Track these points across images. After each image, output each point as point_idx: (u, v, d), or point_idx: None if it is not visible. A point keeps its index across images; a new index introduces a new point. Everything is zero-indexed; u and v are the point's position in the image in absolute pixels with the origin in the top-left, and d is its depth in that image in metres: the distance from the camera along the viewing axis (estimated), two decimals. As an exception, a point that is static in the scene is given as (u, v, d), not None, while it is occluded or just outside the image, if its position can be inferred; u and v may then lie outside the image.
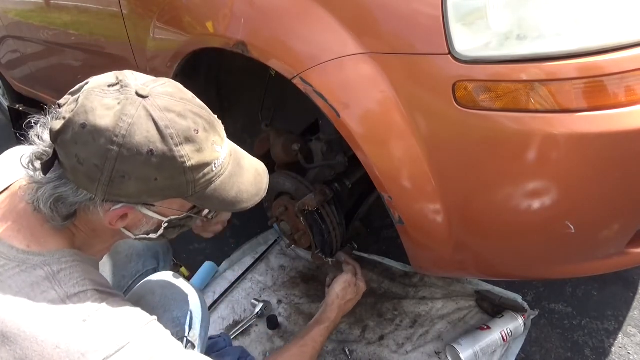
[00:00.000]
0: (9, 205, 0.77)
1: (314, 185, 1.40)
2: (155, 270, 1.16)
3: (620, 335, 1.40)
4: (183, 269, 1.79)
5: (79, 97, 0.68)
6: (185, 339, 0.95)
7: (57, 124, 0.68)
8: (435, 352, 1.38)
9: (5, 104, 3.13)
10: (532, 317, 1.43)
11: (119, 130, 0.66)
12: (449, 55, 0.82)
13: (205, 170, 0.74)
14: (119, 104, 0.67)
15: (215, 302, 1.63)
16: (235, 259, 1.83)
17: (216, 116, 0.79)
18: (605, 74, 0.77)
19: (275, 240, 1.90)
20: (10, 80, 2.87)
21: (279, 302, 1.64)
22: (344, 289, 1.28)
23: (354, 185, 1.46)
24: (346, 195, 1.46)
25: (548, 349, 1.39)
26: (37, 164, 0.72)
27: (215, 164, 0.75)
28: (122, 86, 0.69)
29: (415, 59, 0.87)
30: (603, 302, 1.51)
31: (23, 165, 0.74)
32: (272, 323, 1.53)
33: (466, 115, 0.84)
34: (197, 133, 0.71)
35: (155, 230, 0.82)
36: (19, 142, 0.81)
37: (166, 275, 1.04)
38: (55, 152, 0.70)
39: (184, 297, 1.00)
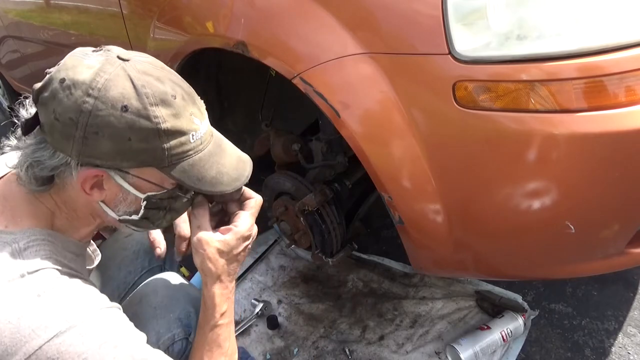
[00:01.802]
0: (1, 189, 0.78)
1: (314, 185, 1.40)
2: (161, 268, 1.16)
3: (620, 335, 1.40)
4: (183, 269, 1.79)
5: (63, 61, 0.71)
6: (186, 340, 0.94)
7: (39, 84, 0.70)
8: (435, 352, 1.38)
9: (5, 104, 3.13)
10: (532, 317, 1.43)
11: (95, 84, 0.67)
12: (449, 55, 0.82)
13: (182, 139, 0.73)
14: (99, 64, 0.69)
15: (215, 302, 1.63)
16: (235, 259, 1.83)
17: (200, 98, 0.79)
18: (605, 74, 0.77)
19: (275, 240, 1.90)
20: (10, 80, 2.88)
21: (279, 302, 1.64)
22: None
23: (354, 185, 1.46)
24: (346, 195, 1.46)
25: (548, 349, 1.39)
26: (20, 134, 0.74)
27: (192, 135, 0.74)
28: (105, 51, 0.72)
29: (416, 59, 0.87)
30: (603, 302, 1.51)
31: (6, 140, 0.75)
32: (272, 323, 1.53)
33: (466, 115, 0.84)
34: (175, 99, 0.71)
35: (137, 211, 0.79)
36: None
37: (169, 276, 1.04)
38: (36, 113, 0.71)
39: (187, 297, 0.99)
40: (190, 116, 0.74)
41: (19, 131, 0.74)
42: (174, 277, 1.04)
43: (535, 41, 0.79)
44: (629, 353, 1.35)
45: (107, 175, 0.73)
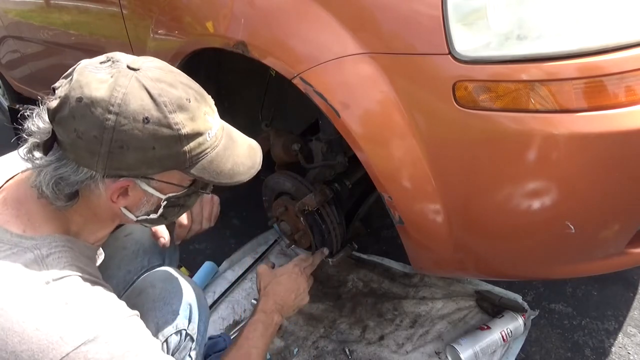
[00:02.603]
0: (12, 192, 0.79)
1: (314, 185, 1.40)
2: (161, 265, 1.17)
3: (620, 335, 1.40)
4: (183, 269, 1.79)
5: (72, 76, 0.71)
6: (184, 331, 0.96)
7: (54, 103, 0.70)
8: (435, 352, 1.38)
9: (5, 104, 3.13)
10: (532, 317, 1.44)
11: (114, 100, 0.68)
12: (449, 55, 0.82)
13: (200, 140, 0.76)
14: (111, 77, 0.69)
15: (215, 302, 1.63)
16: (236, 259, 1.83)
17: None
18: (605, 74, 0.77)
19: (275, 240, 1.90)
20: (10, 80, 2.87)
21: (279, 302, 1.63)
22: (284, 275, 1.18)
23: (354, 185, 1.46)
24: (346, 195, 1.46)
25: (548, 349, 1.39)
26: (36, 153, 0.74)
27: (208, 134, 0.77)
28: (113, 62, 0.72)
29: (416, 59, 0.87)
30: (603, 302, 1.51)
31: (21, 157, 0.76)
32: (273, 323, 1.53)
33: (466, 115, 0.84)
34: (189, 102, 0.73)
35: (155, 210, 0.82)
36: (19, 142, 0.82)
37: (167, 270, 1.05)
38: (53, 132, 0.72)
39: (184, 290, 1.00)
40: (204, 116, 0.76)
41: (30, 146, 0.75)
42: (172, 272, 1.05)
43: (535, 41, 0.79)
44: (629, 353, 1.35)
45: (133, 184, 0.76)
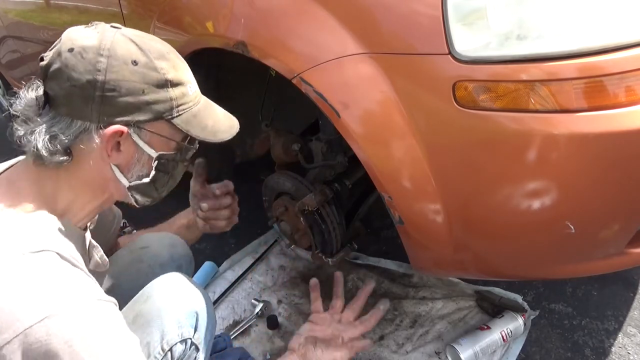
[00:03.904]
0: (7, 174, 0.82)
1: (314, 185, 1.40)
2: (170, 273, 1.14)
3: (620, 335, 1.40)
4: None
5: (60, 40, 0.77)
6: (190, 340, 0.93)
7: (46, 60, 0.75)
8: (435, 352, 1.38)
9: (5, 104, 3.13)
10: (532, 317, 1.43)
11: (104, 45, 0.74)
12: (449, 55, 0.82)
13: (183, 90, 0.82)
14: (97, 32, 0.76)
15: (215, 302, 1.63)
16: (236, 259, 1.83)
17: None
18: (605, 74, 0.77)
19: (275, 240, 1.90)
20: (10, 80, 2.88)
21: (279, 302, 1.63)
22: (338, 353, 1.02)
23: (354, 185, 1.46)
24: (346, 195, 1.46)
25: (548, 349, 1.39)
26: (27, 123, 0.76)
27: (189, 87, 0.84)
28: (95, 25, 0.79)
29: (415, 59, 0.87)
30: (603, 302, 1.51)
31: (15, 122, 0.77)
32: (272, 323, 1.53)
33: (466, 115, 0.84)
34: (169, 54, 0.81)
35: (147, 174, 0.85)
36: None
37: (176, 276, 1.02)
38: (45, 92, 0.75)
39: (191, 298, 0.97)
40: (183, 70, 0.84)
41: (20, 118, 0.77)
42: (181, 277, 1.02)
43: (535, 41, 0.79)
44: (628, 353, 1.35)
45: (126, 134, 0.78)
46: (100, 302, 0.73)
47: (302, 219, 1.38)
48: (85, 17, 1.70)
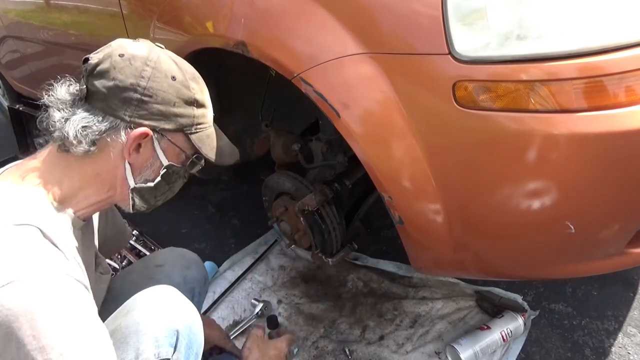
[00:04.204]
0: (25, 160, 0.87)
1: (314, 185, 1.40)
2: (158, 286, 1.10)
3: (620, 335, 1.40)
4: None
5: (110, 46, 0.85)
6: None
7: (95, 60, 0.82)
8: (435, 352, 1.38)
9: (5, 104, 3.13)
10: (532, 317, 1.44)
11: (151, 57, 0.84)
12: (449, 55, 0.82)
13: (204, 112, 0.91)
14: (146, 46, 0.86)
15: (215, 302, 1.64)
16: (236, 259, 1.83)
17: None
18: (605, 74, 0.77)
19: (275, 240, 1.90)
20: (10, 80, 2.87)
21: (279, 302, 1.64)
22: (274, 352, 1.17)
23: (354, 185, 1.46)
24: (346, 195, 1.46)
25: (548, 349, 1.39)
26: (59, 112, 0.82)
27: (209, 111, 0.93)
28: (143, 41, 0.88)
29: (415, 59, 0.87)
30: (603, 302, 1.51)
31: (49, 109, 0.83)
32: (272, 323, 1.53)
33: (466, 115, 0.84)
34: (199, 79, 0.91)
35: (153, 179, 0.90)
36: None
37: (162, 289, 0.95)
38: (87, 88, 0.82)
39: (175, 314, 0.90)
40: (207, 95, 0.93)
41: (57, 105, 0.83)
42: (167, 292, 0.95)
43: (535, 41, 0.79)
44: (629, 353, 1.35)
45: (149, 138, 0.85)
46: (67, 278, 0.73)
47: (302, 219, 1.38)
48: (85, 17, 1.70)
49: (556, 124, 0.80)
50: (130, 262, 1.83)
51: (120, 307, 0.92)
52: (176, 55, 0.90)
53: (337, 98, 0.96)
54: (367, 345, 1.44)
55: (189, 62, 0.92)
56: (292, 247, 1.56)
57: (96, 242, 1.03)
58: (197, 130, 0.90)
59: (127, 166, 0.87)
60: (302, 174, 1.46)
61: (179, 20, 1.26)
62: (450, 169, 0.92)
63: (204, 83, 0.93)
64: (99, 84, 0.81)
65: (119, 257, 1.89)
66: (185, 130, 0.88)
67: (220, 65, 1.45)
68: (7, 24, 2.40)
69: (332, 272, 1.74)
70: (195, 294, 1.18)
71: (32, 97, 2.66)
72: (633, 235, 0.97)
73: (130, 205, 0.91)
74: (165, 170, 0.90)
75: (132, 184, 0.89)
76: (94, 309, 0.76)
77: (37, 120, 0.86)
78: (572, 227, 0.89)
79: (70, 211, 0.85)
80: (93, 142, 0.82)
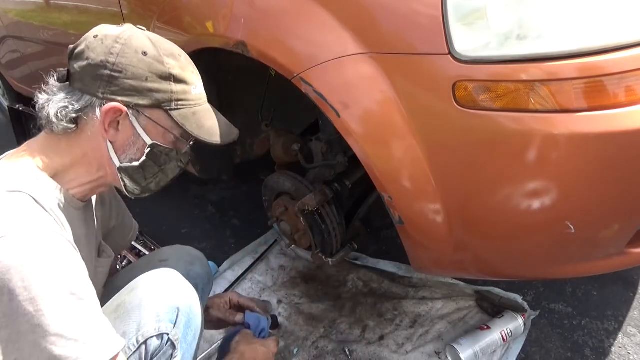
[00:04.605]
0: (28, 143, 0.91)
1: (314, 185, 1.40)
2: (161, 268, 1.13)
3: (620, 335, 1.40)
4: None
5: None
6: (166, 335, 0.90)
7: (75, 44, 0.86)
8: (435, 352, 1.38)
9: (5, 104, 3.13)
10: (532, 317, 1.44)
11: (122, 35, 0.84)
12: (449, 55, 0.82)
13: (186, 88, 0.88)
14: (123, 27, 0.87)
15: (215, 302, 1.63)
16: (236, 259, 1.83)
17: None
18: (605, 74, 0.77)
19: (275, 240, 1.90)
20: (10, 80, 2.88)
21: (279, 302, 1.64)
22: (262, 349, 1.11)
23: (354, 185, 1.46)
24: (346, 195, 1.46)
25: (548, 349, 1.39)
26: (50, 89, 0.87)
27: (193, 88, 0.90)
28: (126, 25, 0.89)
29: (415, 59, 0.87)
30: (603, 302, 1.51)
31: (39, 93, 0.87)
32: (272, 323, 1.52)
33: (466, 115, 0.84)
34: (180, 56, 0.89)
35: (138, 159, 0.89)
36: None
37: (166, 271, 1.00)
38: (68, 70, 0.85)
39: (176, 293, 0.95)
40: (191, 73, 0.90)
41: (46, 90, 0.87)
42: (171, 274, 0.99)
43: (535, 41, 0.79)
44: (629, 353, 1.35)
45: (125, 115, 0.84)
46: (57, 235, 0.76)
47: (302, 219, 1.38)
48: (85, 17, 1.70)
49: (556, 124, 0.80)
50: (130, 262, 1.83)
51: (127, 286, 0.97)
52: (157, 35, 0.89)
53: (337, 98, 0.96)
54: (367, 345, 1.44)
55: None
56: (292, 247, 1.56)
57: (96, 226, 1.03)
58: (179, 107, 0.87)
59: (109, 145, 0.87)
60: (302, 174, 1.46)
61: (179, 20, 1.26)
62: (450, 169, 0.92)
63: (190, 62, 0.91)
64: (76, 65, 0.84)
65: (120, 257, 1.89)
66: (163, 106, 0.86)
67: (220, 66, 1.45)
68: (7, 24, 2.40)
69: (332, 272, 1.74)
70: (198, 291, 1.16)
71: (32, 97, 2.66)
72: (633, 235, 0.97)
73: (123, 187, 0.92)
74: (150, 149, 0.89)
75: (117, 163, 0.88)
76: (81, 265, 0.79)
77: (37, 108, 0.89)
78: (572, 227, 0.89)
79: (64, 188, 0.87)
80: (72, 121, 0.84)
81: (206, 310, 1.21)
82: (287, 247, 1.61)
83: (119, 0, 1.44)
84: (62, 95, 0.85)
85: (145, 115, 0.86)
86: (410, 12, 0.86)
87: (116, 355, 0.76)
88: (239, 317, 1.20)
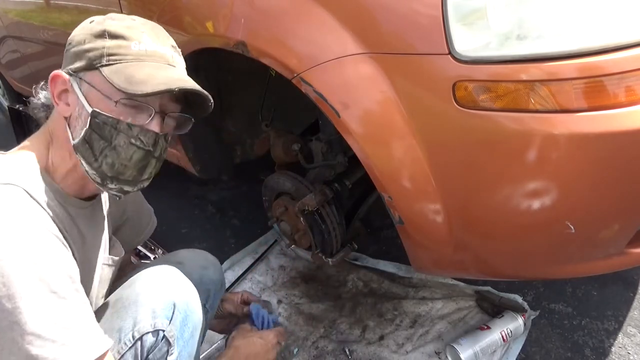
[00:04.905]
0: (29, 138, 0.90)
1: (314, 185, 1.40)
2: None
3: (620, 335, 1.40)
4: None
5: None
6: (161, 332, 0.89)
7: None
8: (435, 352, 1.38)
9: (5, 104, 3.13)
10: (532, 317, 1.43)
11: (96, 18, 0.85)
12: (449, 55, 0.82)
13: (122, 43, 0.81)
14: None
15: (215, 302, 1.63)
16: (236, 259, 1.83)
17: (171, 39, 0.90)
18: (605, 74, 0.77)
19: (275, 240, 1.90)
20: (10, 80, 2.88)
21: (279, 302, 1.64)
22: (261, 340, 1.12)
23: (354, 185, 1.46)
24: (346, 195, 1.46)
25: (548, 349, 1.39)
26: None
27: (135, 44, 0.81)
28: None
29: (415, 59, 0.87)
30: (603, 302, 1.51)
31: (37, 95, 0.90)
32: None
33: (466, 115, 0.84)
34: (134, 20, 0.86)
35: (82, 127, 0.81)
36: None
37: (165, 267, 0.99)
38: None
39: (172, 289, 0.94)
40: (141, 33, 0.83)
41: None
42: (170, 270, 0.99)
43: (535, 41, 0.79)
44: (628, 353, 1.35)
45: (70, 85, 0.82)
46: (45, 232, 0.74)
47: (302, 219, 1.38)
48: (85, 17, 1.69)
49: (556, 124, 0.80)
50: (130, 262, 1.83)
51: (126, 281, 0.96)
52: (143, 19, 0.88)
53: (337, 98, 0.96)
54: (367, 345, 1.44)
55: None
56: (292, 247, 1.56)
57: (106, 224, 1.02)
58: (111, 62, 0.79)
59: (64, 121, 0.84)
60: (302, 174, 1.46)
61: (179, 20, 1.26)
62: (450, 169, 0.92)
63: (154, 29, 0.85)
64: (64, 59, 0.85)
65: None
66: (95, 64, 0.79)
67: (220, 66, 1.46)
68: (7, 24, 2.40)
69: (332, 272, 1.74)
70: (210, 295, 1.15)
71: (32, 97, 2.66)
72: (633, 235, 0.97)
73: (85, 172, 0.83)
74: (90, 117, 0.79)
75: (71, 140, 0.82)
76: (68, 264, 0.76)
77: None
78: (572, 227, 0.89)
79: (59, 185, 0.85)
80: (44, 106, 0.88)
81: (220, 303, 1.23)
82: (287, 247, 1.61)
83: (119, 1, 1.43)
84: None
85: (85, 81, 0.81)
86: (410, 12, 0.86)
87: (103, 355, 0.75)
88: (246, 309, 1.22)
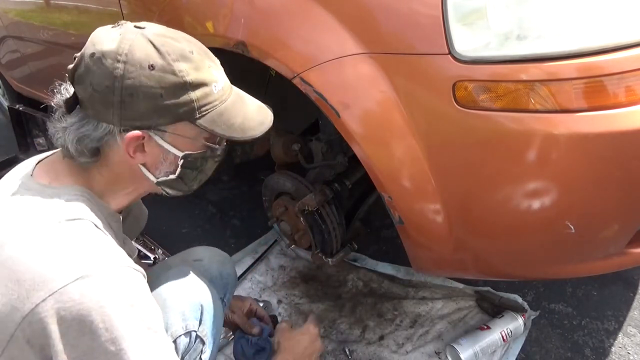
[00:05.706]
0: (48, 159, 0.87)
1: (314, 185, 1.40)
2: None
3: (620, 335, 1.40)
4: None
5: (89, 39, 0.79)
6: (194, 333, 0.92)
7: (73, 64, 0.78)
8: (435, 352, 1.38)
9: (5, 104, 3.13)
10: (532, 317, 1.44)
11: (121, 50, 0.74)
12: (449, 55, 0.82)
13: (206, 90, 0.79)
14: (119, 34, 0.76)
15: (215, 302, 1.63)
16: (236, 259, 1.83)
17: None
18: (605, 74, 0.77)
19: (275, 240, 1.90)
20: (10, 80, 2.88)
21: (279, 302, 1.64)
22: (305, 336, 1.12)
23: (354, 185, 1.46)
24: (346, 195, 1.46)
25: (548, 349, 1.39)
26: (63, 119, 0.81)
27: (214, 86, 0.81)
28: (121, 25, 0.79)
29: (415, 59, 0.87)
30: (603, 302, 1.51)
31: (53, 119, 0.82)
32: (272, 323, 1.53)
33: (466, 115, 0.84)
34: (192, 54, 0.79)
35: (174, 171, 0.84)
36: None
37: (181, 270, 1.01)
38: (74, 93, 0.78)
39: (197, 290, 0.97)
40: (208, 68, 0.81)
41: (58, 113, 0.82)
42: (187, 272, 1.02)
43: (535, 41, 0.79)
44: (628, 353, 1.35)
45: (148, 137, 0.79)
46: (129, 269, 0.75)
47: (302, 219, 1.38)
48: (85, 17, 1.70)
49: (556, 124, 0.80)
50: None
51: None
52: (161, 31, 0.79)
53: (337, 98, 0.96)
54: (367, 345, 1.44)
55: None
56: (292, 247, 1.56)
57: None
58: (204, 113, 0.79)
59: (141, 166, 0.83)
60: (302, 174, 1.46)
61: (179, 20, 1.26)
62: (450, 169, 0.92)
63: (203, 54, 0.82)
64: (81, 90, 0.77)
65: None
66: (186, 118, 0.79)
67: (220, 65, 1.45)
68: (7, 24, 2.40)
69: (332, 272, 1.74)
70: (227, 290, 1.19)
71: (32, 97, 2.66)
72: (633, 235, 0.97)
73: (165, 194, 0.89)
74: (183, 160, 0.83)
75: (153, 179, 0.85)
76: (149, 294, 0.78)
77: (48, 126, 0.85)
78: (572, 227, 0.89)
79: (108, 204, 0.86)
80: (93, 152, 0.80)
81: (228, 310, 1.23)
82: (287, 247, 1.61)
83: (119, 0, 1.44)
84: (76, 123, 0.79)
85: (169, 132, 0.80)
86: (410, 12, 0.86)
87: None
88: (256, 330, 1.20)
